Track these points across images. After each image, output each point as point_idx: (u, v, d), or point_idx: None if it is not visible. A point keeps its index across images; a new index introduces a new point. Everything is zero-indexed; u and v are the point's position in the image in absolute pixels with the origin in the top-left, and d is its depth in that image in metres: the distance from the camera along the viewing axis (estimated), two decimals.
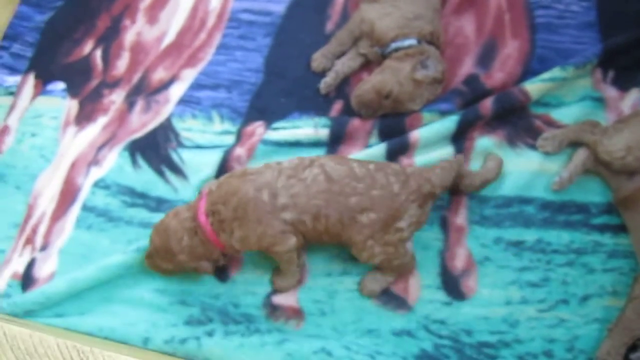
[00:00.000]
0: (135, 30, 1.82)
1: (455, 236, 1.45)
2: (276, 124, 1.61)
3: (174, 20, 1.82)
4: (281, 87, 1.67)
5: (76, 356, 1.05)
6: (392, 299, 1.41)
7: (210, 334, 1.40)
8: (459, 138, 1.54)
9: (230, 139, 1.61)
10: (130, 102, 1.70)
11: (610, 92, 1.56)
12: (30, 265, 1.53)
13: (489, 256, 1.43)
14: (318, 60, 1.66)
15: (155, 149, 1.62)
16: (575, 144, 1.48)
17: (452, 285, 1.41)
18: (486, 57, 1.63)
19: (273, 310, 1.42)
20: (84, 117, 1.71)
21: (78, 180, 1.62)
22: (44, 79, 1.79)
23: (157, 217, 1.49)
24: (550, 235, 1.43)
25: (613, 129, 1.42)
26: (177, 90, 1.71)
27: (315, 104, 1.64)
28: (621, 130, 1.40)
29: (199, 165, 1.57)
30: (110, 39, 1.82)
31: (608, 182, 1.44)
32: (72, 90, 1.76)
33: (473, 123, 1.53)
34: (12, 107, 1.76)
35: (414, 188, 1.31)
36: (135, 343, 1.40)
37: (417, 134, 1.52)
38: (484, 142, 1.53)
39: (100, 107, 1.72)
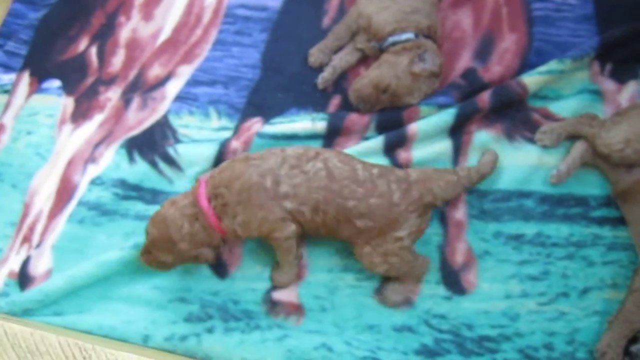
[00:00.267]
0: (130, 27, 1.81)
1: (455, 231, 1.45)
2: (274, 120, 1.60)
3: (169, 17, 1.81)
4: (278, 83, 1.66)
5: (78, 354, 1.04)
6: None
7: (210, 330, 1.40)
8: (457, 132, 1.54)
9: (227, 136, 1.60)
10: (126, 99, 1.69)
11: (608, 84, 1.55)
12: (25, 263, 1.52)
13: (489, 250, 1.43)
14: (315, 55, 1.66)
15: (153, 146, 1.61)
16: (573, 137, 1.47)
17: (453, 280, 1.41)
18: (484, 50, 1.63)
19: (273, 306, 1.42)
20: (79, 115, 1.70)
21: (75, 178, 1.61)
22: (39, 77, 1.78)
23: (153, 210, 1.49)
24: (550, 229, 1.43)
25: (611, 121, 1.41)
26: (173, 87, 1.70)
27: (312, 99, 1.63)
28: (619, 123, 1.40)
29: (195, 157, 1.56)
30: (105, 36, 1.81)
31: (606, 175, 1.44)
32: (68, 88, 1.75)
33: (471, 116, 1.52)
34: (7, 106, 1.75)
35: (414, 198, 1.31)
36: (135, 341, 1.39)
37: (414, 127, 1.51)
38: (482, 136, 1.53)
39: (96, 104, 1.71)
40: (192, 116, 1.65)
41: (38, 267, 1.51)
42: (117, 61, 1.76)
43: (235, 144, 1.55)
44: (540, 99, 1.55)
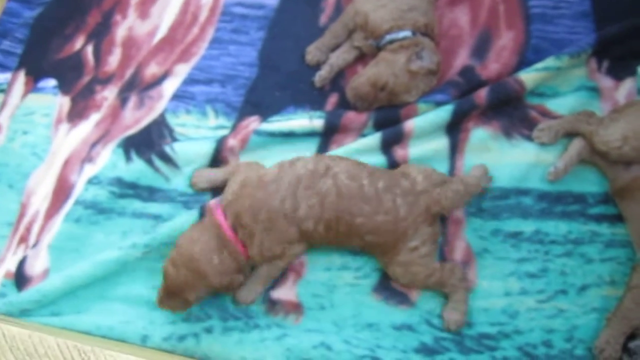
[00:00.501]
0: (126, 26, 1.80)
1: (454, 229, 1.45)
2: (271, 119, 1.59)
3: (165, 15, 1.80)
4: (276, 81, 1.66)
5: (77, 356, 1.04)
6: (394, 295, 1.41)
7: (209, 330, 1.40)
8: (454, 129, 1.54)
9: (224, 134, 1.59)
10: (123, 98, 1.68)
11: (605, 82, 1.55)
12: (22, 263, 1.51)
13: (488, 248, 1.43)
14: (312, 53, 1.65)
15: (150, 145, 1.60)
16: (571, 135, 1.48)
17: None
18: (481, 48, 1.63)
19: (272, 305, 1.42)
20: (76, 114, 1.69)
21: (72, 177, 1.60)
22: (34, 76, 1.77)
23: (151, 207, 1.51)
24: (548, 226, 1.43)
25: (609, 119, 1.42)
26: (170, 86, 1.69)
27: (310, 98, 1.63)
28: (617, 120, 1.40)
29: (191, 155, 1.55)
30: (101, 34, 1.80)
31: (604, 172, 1.44)
32: (64, 87, 1.74)
33: (468, 113, 1.52)
34: (2, 105, 1.74)
35: (421, 210, 1.32)
36: (134, 341, 1.39)
37: (411, 124, 1.51)
38: (479, 134, 1.53)
39: (92, 103, 1.70)
40: (189, 115, 1.65)
41: (35, 267, 1.51)
42: (113, 60, 1.76)
43: (232, 142, 1.54)
44: (538, 96, 1.55)
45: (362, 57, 1.65)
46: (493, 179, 1.47)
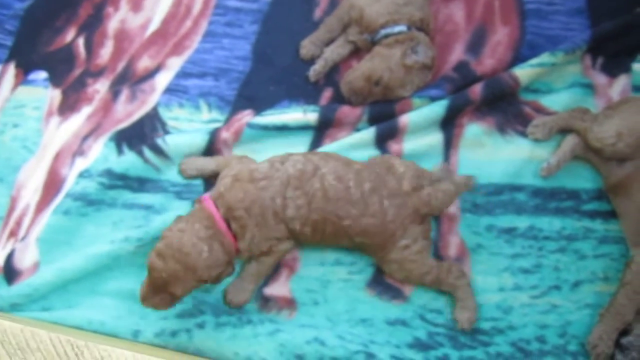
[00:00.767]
0: (118, 18, 1.78)
1: (448, 224, 1.45)
2: (265, 113, 1.59)
3: (158, 8, 1.78)
4: (270, 75, 1.65)
5: (70, 351, 1.03)
6: (387, 290, 1.41)
7: (201, 326, 1.39)
8: (449, 124, 1.54)
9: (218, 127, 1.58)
10: (115, 92, 1.66)
11: (600, 78, 1.56)
12: (10, 256, 1.49)
13: (482, 243, 1.43)
14: (307, 47, 1.64)
15: (142, 139, 1.59)
16: (565, 131, 1.48)
17: None
18: (476, 43, 1.63)
19: (265, 302, 1.41)
20: (67, 107, 1.67)
21: (63, 171, 1.58)
22: (25, 69, 1.74)
23: (142, 197, 1.49)
24: (542, 222, 1.44)
25: (603, 115, 1.42)
26: (163, 79, 1.67)
27: (304, 92, 1.62)
28: (611, 117, 1.40)
29: (184, 147, 1.54)
30: (93, 26, 1.77)
31: (598, 168, 1.45)
32: (55, 80, 1.71)
33: (462, 108, 1.52)
34: None
35: (410, 211, 1.31)
36: (125, 336, 1.38)
37: (406, 118, 1.51)
38: (474, 129, 1.53)
39: (84, 96, 1.68)
40: (182, 109, 1.63)
41: (24, 261, 1.49)
42: (105, 53, 1.73)
43: (225, 134, 1.53)
44: (532, 93, 1.56)
45: (357, 52, 1.64)
46: (487, 175, 1.47)
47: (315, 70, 1.61)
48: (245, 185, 1.32)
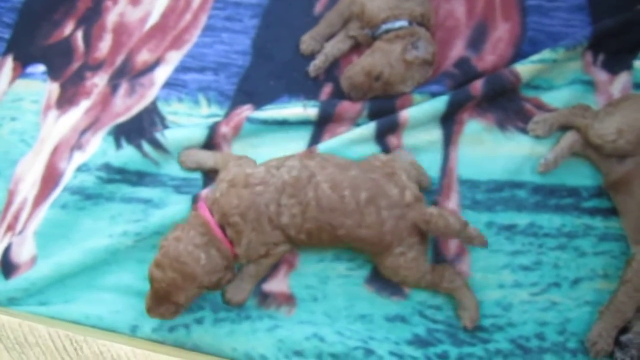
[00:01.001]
0: (117, 11, 1.77)
1: None
2: (264, 107, 1.58)
3: (157, 1, 1.77)
4: (269, 70, 1.64)
5: (69, 345, 1.02)
6: (386, 286, 1.40)
7: (199, 321, 1.39)
8: (448, 120, 1.53)
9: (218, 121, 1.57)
10: (113, 85, 1.65)
11: (600, 75, 1.55)
12: (7, 250, 1.49)
13: None
14: (307, 42, 1.63)
15: (141, 133, 1.58)
16: (565, 128, 1.47)
17: None
18: (477, 39, 1.62)
19: (264, 298, 1.41)
20: (65, 101, 1.66)
21: (61, 165, 1.57)
22: (23, 62, 1.73)
23: (141, 191, 1.49)
24: (542, 219, 1.43)
25: (604, 112, 1.41)
26: (162, 73, 1.66)
27: (304, 87, 1.61)
28: (612, 114, 1.40)
29: (184, 141, 1.53)
30: (91, 20, 1.76)
31: (598, 165, 1.44)
32: (53, 73, 1.70)
33: (463, 104, 1.51)
34: None
35: (408, 224, 1.30)
36: (123, 331, 1.38)
37: (406, 114, 1.50)
38: (474, 126, 1.53)
39: (82, 90, 1.67)
40: (181, 103, 1.62)
41: (21, 255, 1.48)
42: (103, 46, 1.72)
43: (224, 129, 1.53)
44: (533, 89, 1.55)
45: (357, 47, 1.63)
46: (487, 172, 1.47)
47: (315, 66, 1.60)
48: (240, 191, 1.31)
